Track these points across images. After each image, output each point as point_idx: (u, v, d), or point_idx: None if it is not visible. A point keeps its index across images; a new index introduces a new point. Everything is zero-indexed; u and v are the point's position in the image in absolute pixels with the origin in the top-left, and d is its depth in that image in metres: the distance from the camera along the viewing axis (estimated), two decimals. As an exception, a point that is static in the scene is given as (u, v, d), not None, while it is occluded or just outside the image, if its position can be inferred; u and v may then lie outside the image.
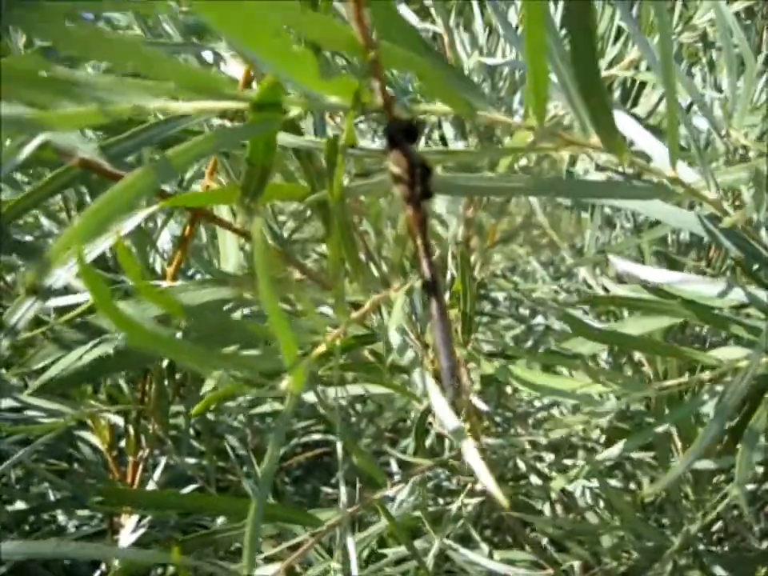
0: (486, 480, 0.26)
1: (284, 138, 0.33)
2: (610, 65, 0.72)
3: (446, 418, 0.28)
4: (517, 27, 0.67)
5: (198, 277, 0.70)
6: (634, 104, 0.77)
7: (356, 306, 0.38)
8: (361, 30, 0.24)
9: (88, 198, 0.65)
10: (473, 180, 0.33)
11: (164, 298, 0.24)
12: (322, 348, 0.29)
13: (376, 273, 0.42)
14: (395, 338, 0.33)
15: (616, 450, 0.44)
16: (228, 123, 0.36)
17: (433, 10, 0.80)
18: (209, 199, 0.36)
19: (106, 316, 0.23)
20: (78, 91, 0.24)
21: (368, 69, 0.26)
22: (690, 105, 0.71)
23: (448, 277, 0.58)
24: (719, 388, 0.41)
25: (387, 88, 0.28)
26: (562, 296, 1.09)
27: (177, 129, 0.36)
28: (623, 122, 0.43)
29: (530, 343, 1.24)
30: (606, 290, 0.86)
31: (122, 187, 0.21)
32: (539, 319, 1.08)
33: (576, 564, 0.75)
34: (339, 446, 0.38)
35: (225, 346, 0.33)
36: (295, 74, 0.23)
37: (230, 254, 0.46)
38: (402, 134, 0.27)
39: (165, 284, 0.62)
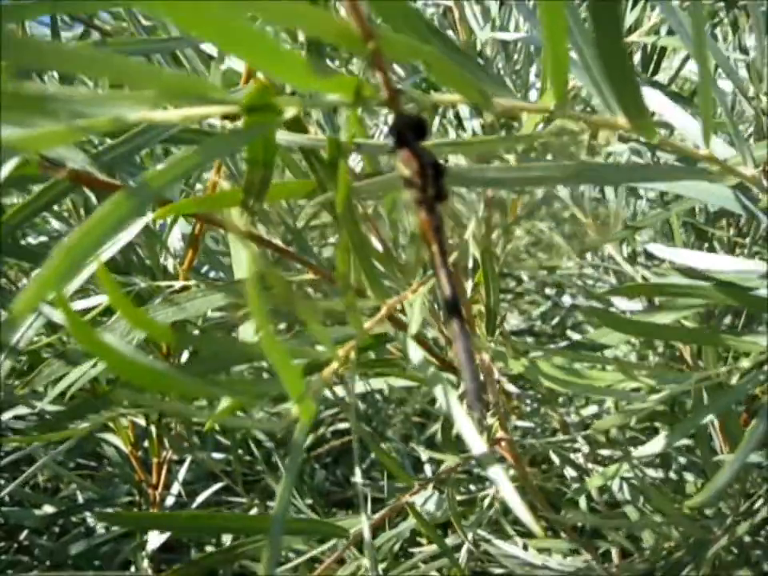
0: (519, 510, 0.24)
1: (284, 137, 0.31)
2: (630, 30, 0.69)
3: (471, 442, 0.26)
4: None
5: (212, 274, 0.68)
6: (656, 70, 0.74)
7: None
8: (357, 19, 0.22)
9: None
10: (490, 171, 0.31)
11: (151, 323, 0.22)
12: (333, 366, 0.27)
13: (392, 270, 0.40)
14: (415, 354, 0.30)
15: (655, 445, 0.41)
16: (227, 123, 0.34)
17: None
18: (210, 204, 0.34)
19: (86, 346, 0.21)
20: (53, 107, 0.22)
21: (369, 61, 0.23)
22: (715, 68, 0.68)
23: (470, 263, 0.56)
24: (761, 377, 0.38)
25: (394, 77, 0.25)
26: (588, 270, 1.07)
27: (172, 131, 0.34)
28: (649, 95, 0.40)
29: (556, 320, 1.21)
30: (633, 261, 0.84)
31: (95, 221, 0.19)
32: (566, 298, 1.05)
33: (614, 550, 0.73)
34: (355, 447, 0.36)
35: (229, 366, 0.31)
36: (285, 75, 0.21)
37: (241, 258, 0.44)
38: (411, 130, 0.25)
39: (178, 284, 0.60)
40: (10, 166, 0.23)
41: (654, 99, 0.40)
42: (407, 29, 0.26)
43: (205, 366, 0.32)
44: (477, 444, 0.26)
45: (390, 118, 0.25)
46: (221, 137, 0.23)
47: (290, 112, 0.24)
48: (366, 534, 0.39)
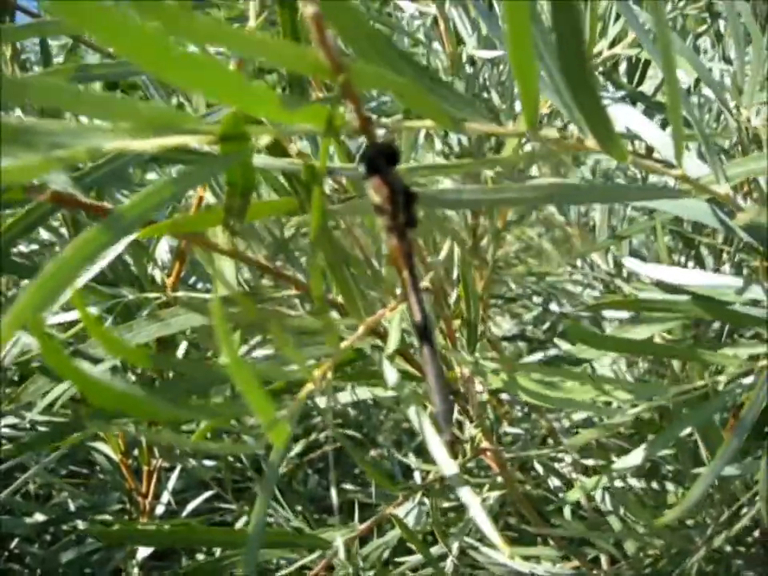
0: (488, 530, 0.24)
1: (263, 161, 0.31)
2: (613, 43, 0.70)
3: (441, 462, 0.26)
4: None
5: (200, 285, 0.69)
6: (641, 81, 0.75)
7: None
8: (326, 52, 0.22)
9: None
10: (465, 193, 0.31)
11: (126, 348, 0.23)
12: (309, 387, 0.28)
13: (373, 284, 0.40)
14: (390, 374, 0.31)
15: (636, 456, 0.42)
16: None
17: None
18: (192, 224, 0.35)
19: (59, 371, 0.21)
20: (32, 139, 0.23)
21: (340, 91, 0.24)
22: (697, 81, 0.69)
23: (454, 275, 0.57)
24: (738, 390, 0.39)
25: (365, 107, 0.26)
26: (578, 277, 1.07)
27: (150, 154, 0.34)
28: (625, 114, 0.41)
29: (546, 325, 1.22)
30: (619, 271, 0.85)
31: (74, 249, 0.19)
32: (553, 305, 1.06)
33: (603, 557, 0.73)
34: (331, 457, 0.36)
35: (209, 387, 0.31)
36: (255, 109, 0.22)
37: (225, 275, 0.44)
38: (382, 158, 0.25)
39: (164, 296, 0.61)
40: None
41: (630, 117, 0.40)
42: (377, 57, 0.27)
43: (185, 386, 0.32)
44: (445, 462, 0.26)
45: (361, 151, 0.25)
46: (199, 166, 0.23)
47: (263, 140, 0.25)
48: (341, 548, 0.39)
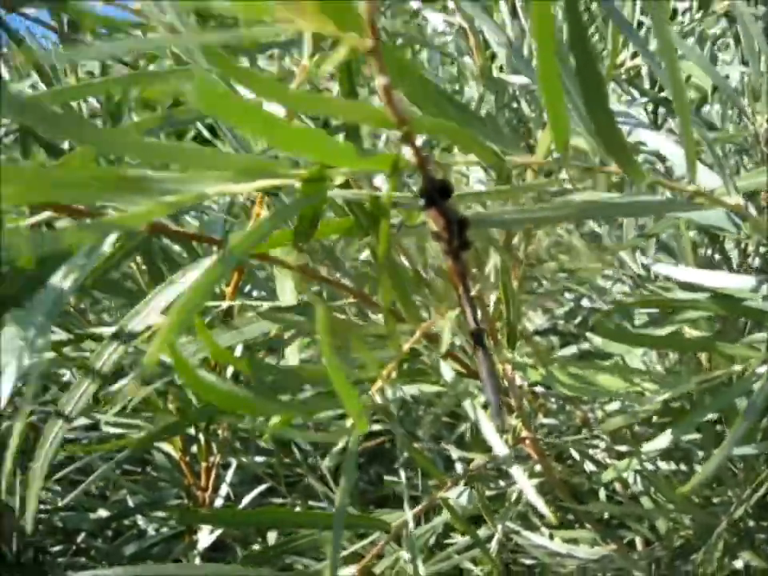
0: (534, 498, 0.29)
1: (332, 193, 0.36)
2: (635, 54, 0.74)
3: (494, 444, 0.31)
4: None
5: (255, 293, 0.74)
6: (662, 89, 0.79)
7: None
8: (392, 110, 0.27)
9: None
10: (506, 214, 0.36)
11: (235, 359, 0.28)
12: (379, 384, 0.33)
13: (423, 293, 0.45)
14: (446, 371, 0.36)
15: (662, 440, 0.46)
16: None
17: (458, 16, 0.82)
18: (266, 245, 0.40)
19: (190, 384, 0.26)
20: (148, 187, 0.28)
21: (402, 139, 0.29)
22: (714, 89, 0.72)
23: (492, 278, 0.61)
24: (754, 378, 0.43)
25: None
26: (608, 272, 1.10)
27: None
28: (644, 134, 0.45)
29: (578, 320, 1.26)
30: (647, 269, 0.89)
31: (197, 284, 0.24)
32: (585, 301, 1.09)
33: (638, 539, 0.77)
34: (399, 443, 0.41)
35: (284, 390, 0.36)
36: (335, 161, 0.27)
37: (286, 287, 0.49)
38: (437, 192, 0.30)
39: (224, 304, 0.66)
40: (110, 241, 0.29)
41: (647, 138, 0.45)
42: (430, 103, 0.32)
43: (266, 387, 0.37)
44: (498, 445, 0.31)
45: (420, 187, 0.30)
46: (291, 204, 0.28)
47: (338, 180, 0.30)
48: (410, 522, 0.44)
